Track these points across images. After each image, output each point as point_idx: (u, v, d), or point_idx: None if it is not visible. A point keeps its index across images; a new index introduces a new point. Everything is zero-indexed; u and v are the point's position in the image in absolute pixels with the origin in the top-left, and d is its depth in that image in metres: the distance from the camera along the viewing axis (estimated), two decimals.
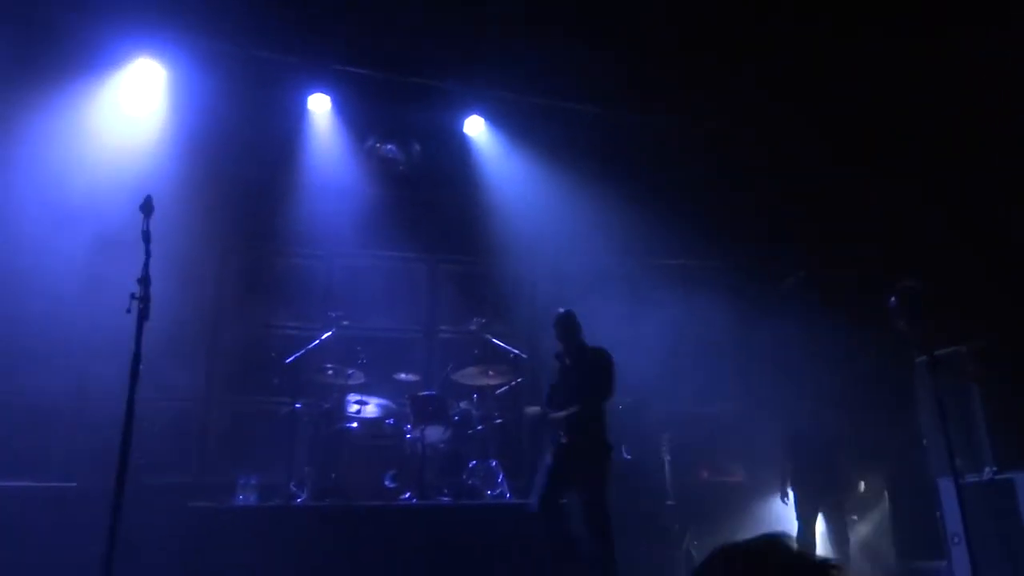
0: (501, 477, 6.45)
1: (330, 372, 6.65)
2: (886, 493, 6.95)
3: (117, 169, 6.29)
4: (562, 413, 5.59)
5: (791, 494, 6.19)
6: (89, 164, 6.42)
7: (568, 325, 5.82)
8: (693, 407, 7.45)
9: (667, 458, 7.02)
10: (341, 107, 7.56)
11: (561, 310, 5.92)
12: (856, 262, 6.91)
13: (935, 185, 6.51)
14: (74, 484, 5.69)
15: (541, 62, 6.91)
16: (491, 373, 6.91)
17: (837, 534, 6.01)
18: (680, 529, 6.66)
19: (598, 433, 5.57)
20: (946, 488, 5.69)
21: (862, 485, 6.45)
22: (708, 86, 7.10)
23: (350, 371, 6.64)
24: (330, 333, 6.86)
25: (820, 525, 6.20)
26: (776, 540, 1.63)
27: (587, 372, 5.66)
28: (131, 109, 6.80)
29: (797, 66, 6.70)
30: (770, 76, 6.81)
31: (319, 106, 7.53)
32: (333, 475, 6.20)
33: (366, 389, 6.77)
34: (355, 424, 6.51)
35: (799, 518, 6.07)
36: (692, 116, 7.53)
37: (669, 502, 6.80)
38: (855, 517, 6.78)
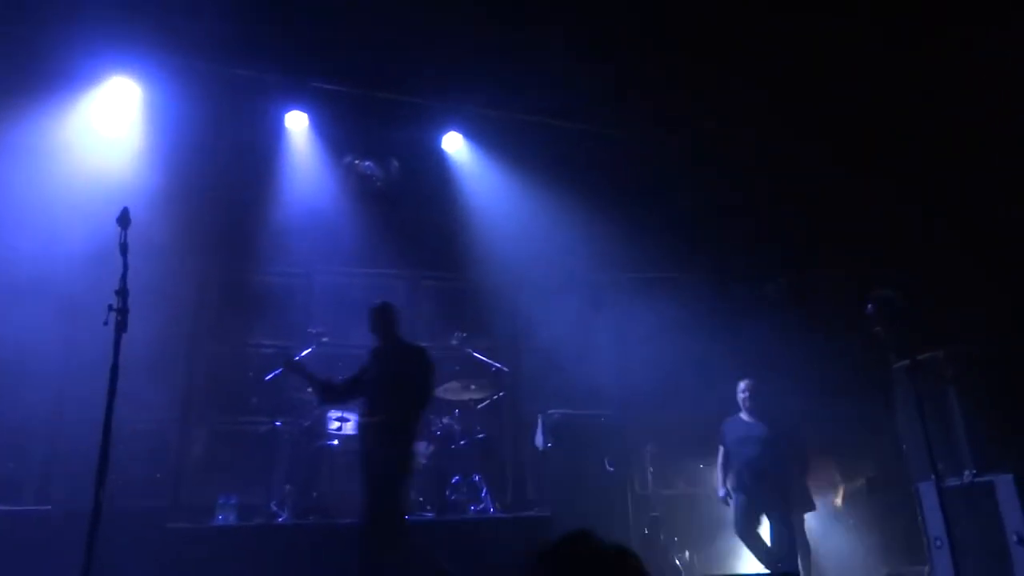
0: (484, 492, 6.41)
1: (310, 389, 6.58)
2: (865, 499, 7.01)
3: (93, 187, 6.23)
4: (376, 418, 5.18)
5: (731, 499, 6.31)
6: (64, 181, 6.35)
7: (384, 318, 5.47)
8: (675, 417, 7.45)
9: (650, 469, 7.03)
10: (319, 124, 7.55)
11: (377, 301, 5.61)
12: (835, 269, 6.99)
13: (921, 187, 6.62)
14: (49, 507, 5.56)
15: (517, 78, 6.96)
16: (473, 387, 6.89)
17: (788, 541, 6.01)
18: (666, 540, 6.65)
19: (405, 443, 5.15)
20: (927, 492, 5.74)
21: (815, 500, 6.50)
22: (686, 99, 7.18)
23: None
24: (310, 350, 6.81)
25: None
26: (578, 536, 1.74)
27: (404, 374, 5.24)
28: (107, 127, 6.74)
29: (782, 75, 6.78)
30: (752, 87, 6.89)
31: (296, 123, 7.51)
32: (314, 493, 6.13)
33: (347, 406, 6.71)
34: (336, 441, 6.44)
35: (737, 523, 6.14)
36: (670, 128, 7.60)
37: (654, 513, 6.79)
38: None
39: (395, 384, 5.22)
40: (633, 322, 7.43)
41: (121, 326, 3.56)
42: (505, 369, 7.18)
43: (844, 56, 6.34)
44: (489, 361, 7.12)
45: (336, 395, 5.69)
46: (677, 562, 6.56)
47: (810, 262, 7.26)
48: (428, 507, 6.27)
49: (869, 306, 5.32)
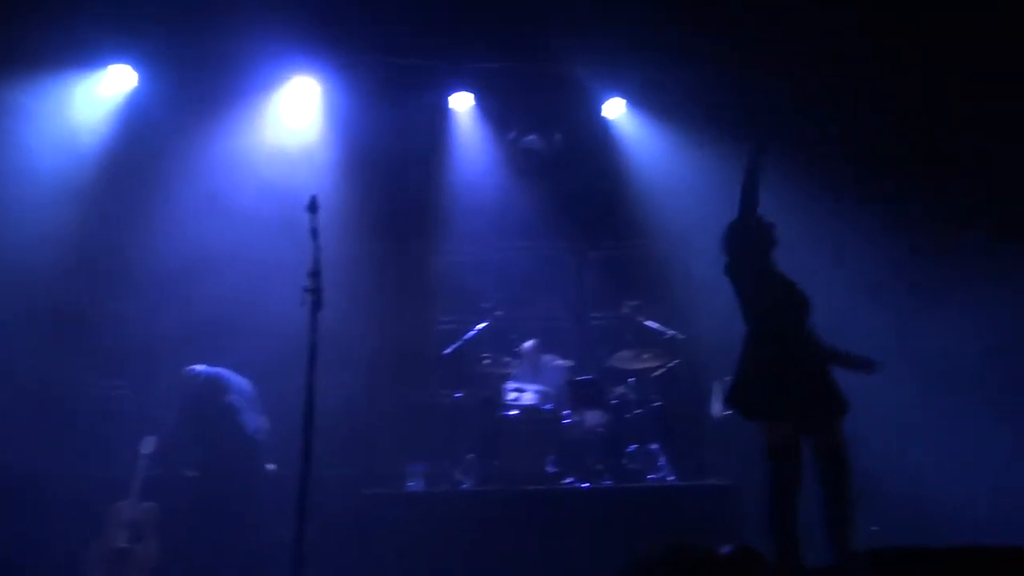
0: (663, 460, 6.36)
1: (487, 362, 6.82)
2: None
3: (283, 177, 6.81)
4: None
5: None
6: (256, 175, 7.00)
7: None
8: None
9: None
10: (482, 103, 7.71)
11: None
12: None
13: None
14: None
15: (675, 37, 6.73)
16: (646, 356, 6.84)
17: None
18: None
19: None
20: None
21: None
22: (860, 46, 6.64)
23: (506, 359, 6.77)
24: (485, 324, 7.03)
25: None
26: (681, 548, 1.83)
27: None
28: (292, 122, 7.33)
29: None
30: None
31: (461, 104, 7.72)
32: (496, 461, 6.34)
33: (523, 376, 6.89)
34: (514, 411, 6.63)
35: None
36: (841, 79, 7.04)
37: None
38: None
39: None
40: (814, 283, 7.00)
41: (316, 306, 3.85)
42: (680, 336, 7.03)
43: None
44: (662, 329, 7.01)
45: None
46: (874, 530, 6.18)
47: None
48: (606, 475, 6.31)
49: None
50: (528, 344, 7.02)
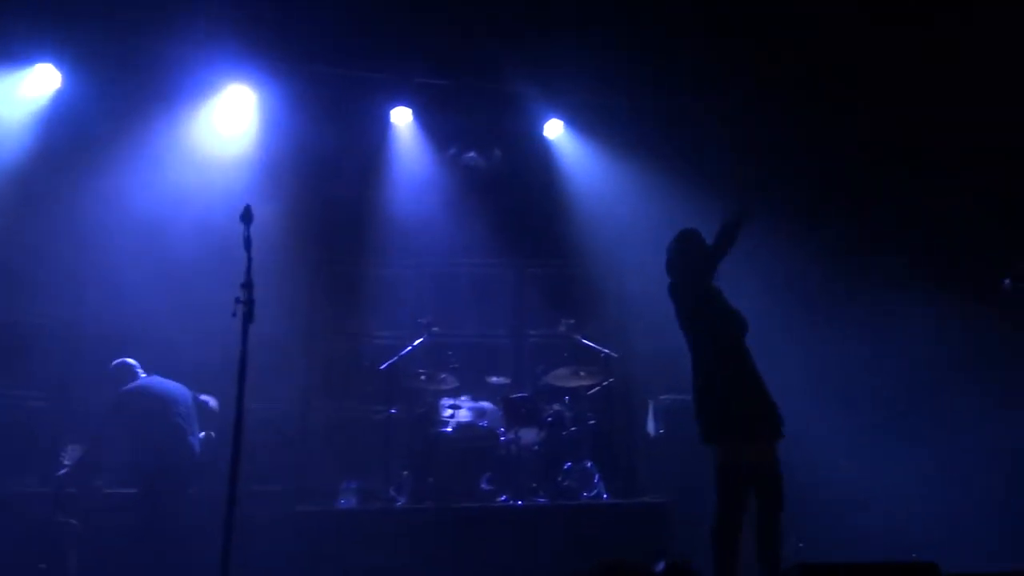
0: (597, 478, 6.39)
1: (423, 378, 6.76)
2: None
3: (215, 187, 6.64)
4: None
5: None
6: (190, 182, 6.81)
7: None
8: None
9: None
10: (422, 118, 7.69)
11: None
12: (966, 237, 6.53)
13: None
14: (190, 490, 5.91)
15: (615, 60, 6.86)
16: (582, 374, 6.88)
17: None
18: (786, 527, 6.42)
19: None
20: None
21: None
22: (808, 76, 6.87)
23: (442, 376, 6.73)
24: (421, 340, 6.97)
25: None
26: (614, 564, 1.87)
27: None
28: (227, 132, 7.14)
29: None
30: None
31: (401, 119, 7.68)
32: (430, 479, 6.27)
33: (459, 393, 6.85)
34: (449, 428, 6.58)
35: None
36: (782, 106, 7.28)
37: None
38: None
39: None
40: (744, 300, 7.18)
41: (248, 317, 3.75)
42: (614, 355, 7.11)
43: None
44: (598, 347, 7.08)
45: None
46: (800, 546, 6.33)
47: (940, 229, 6.81)
48: (540, 493, 6.31)
49: (1007, 281, 4.97)
50: None
